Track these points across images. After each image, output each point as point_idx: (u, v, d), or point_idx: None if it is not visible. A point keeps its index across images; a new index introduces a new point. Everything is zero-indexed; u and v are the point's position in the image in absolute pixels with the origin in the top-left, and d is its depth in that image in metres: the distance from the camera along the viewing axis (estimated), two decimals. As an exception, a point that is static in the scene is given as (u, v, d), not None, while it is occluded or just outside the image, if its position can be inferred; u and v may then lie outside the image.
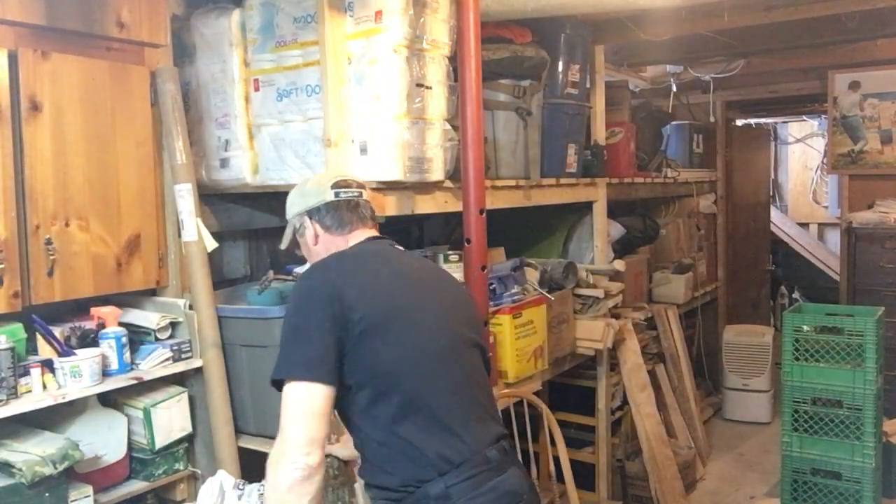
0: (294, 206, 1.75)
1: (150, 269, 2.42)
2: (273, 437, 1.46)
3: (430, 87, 2.38)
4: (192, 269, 2.44)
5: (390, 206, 2.35)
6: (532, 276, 3.10)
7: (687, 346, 4.68)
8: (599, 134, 3.76)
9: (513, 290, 2.92)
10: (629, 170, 4.11)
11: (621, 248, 4.08)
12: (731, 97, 5.85)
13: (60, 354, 2.12)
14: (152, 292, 2.50)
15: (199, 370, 2.43)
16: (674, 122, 5.28)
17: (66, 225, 2.16)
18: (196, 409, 2.46)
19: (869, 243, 4.87)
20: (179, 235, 2.47)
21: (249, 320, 2.43)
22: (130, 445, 2.33)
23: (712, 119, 5.79)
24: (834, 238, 7.43)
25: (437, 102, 2.42)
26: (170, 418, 2.37)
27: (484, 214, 2.37)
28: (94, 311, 2.28)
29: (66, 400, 2.08)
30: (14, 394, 1.98)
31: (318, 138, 2.34)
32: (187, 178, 2.44)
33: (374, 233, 1.73)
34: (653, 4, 3.03)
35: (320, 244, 1.70)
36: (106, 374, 2.18)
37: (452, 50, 2.45)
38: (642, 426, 3.69)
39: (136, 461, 2.36)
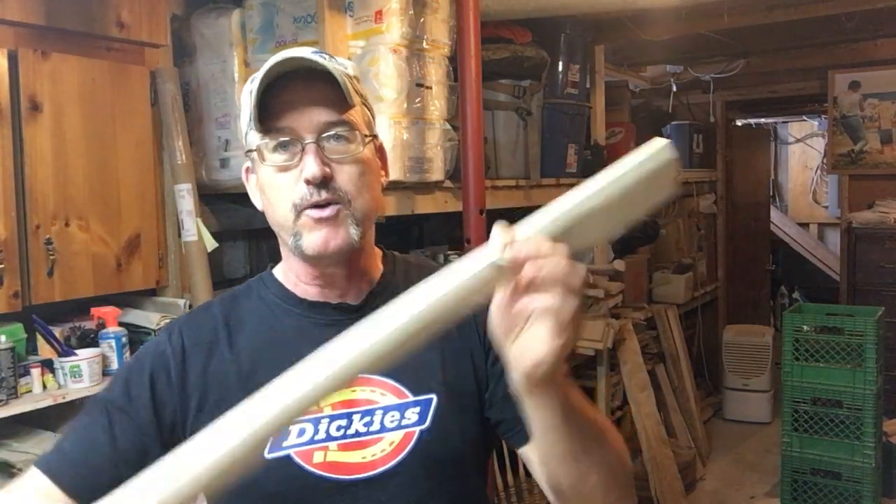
0: None
1: (150, 269, 2.42)
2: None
3: (430, 87, 2.38)
4: (192, 269, 2.43)
5: (390, 206, 2.35)
6: (532, 276, 3.09)
7: (687, 346, 4.68)
8: (599, 134, 3.76)
9: (513, 290, 2.91)
10: (629, 170, 4.11)
11: (621, 248, 4.09)
12: (731, 97, 5.84)
13: (60, 354, 2.12)
14: (152, 292, 2.50)
15: (199, 370, 2.41)
16: (674, 122, 5.27)
17: (66, 225, 2.16)
18: (196, 409, 2.45)
19: (869, 243, 4.87)
20: (179, 235, 2.47)
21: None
22: (130, 445, 2.32)
23: (712, 119, 5.79)
24: (834, 238, 7.43)
25: (437, 102, 2.42)
26: (170, 418, 2.36)
27: (484, 214, 2.37)
28: (95, 311, 2.28)
29: (66, 400, 2.08)
30: (14, 394, 1.98)
31: (318, 138, 2.34)
32: (187, 178, 2.43)
33: None
34: (653, 4, 3.04)
35: None
36: (106, 374, 2.18)
37: (452, 50, 2.45)
38: (642, 426, 3.69)
39: (136, 461, 2.35)
